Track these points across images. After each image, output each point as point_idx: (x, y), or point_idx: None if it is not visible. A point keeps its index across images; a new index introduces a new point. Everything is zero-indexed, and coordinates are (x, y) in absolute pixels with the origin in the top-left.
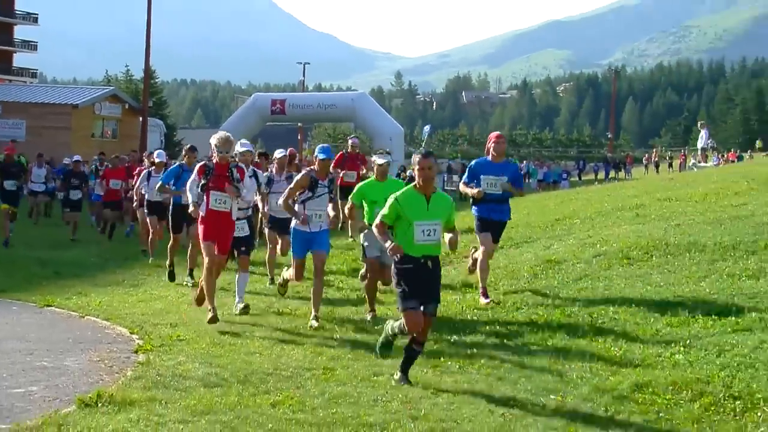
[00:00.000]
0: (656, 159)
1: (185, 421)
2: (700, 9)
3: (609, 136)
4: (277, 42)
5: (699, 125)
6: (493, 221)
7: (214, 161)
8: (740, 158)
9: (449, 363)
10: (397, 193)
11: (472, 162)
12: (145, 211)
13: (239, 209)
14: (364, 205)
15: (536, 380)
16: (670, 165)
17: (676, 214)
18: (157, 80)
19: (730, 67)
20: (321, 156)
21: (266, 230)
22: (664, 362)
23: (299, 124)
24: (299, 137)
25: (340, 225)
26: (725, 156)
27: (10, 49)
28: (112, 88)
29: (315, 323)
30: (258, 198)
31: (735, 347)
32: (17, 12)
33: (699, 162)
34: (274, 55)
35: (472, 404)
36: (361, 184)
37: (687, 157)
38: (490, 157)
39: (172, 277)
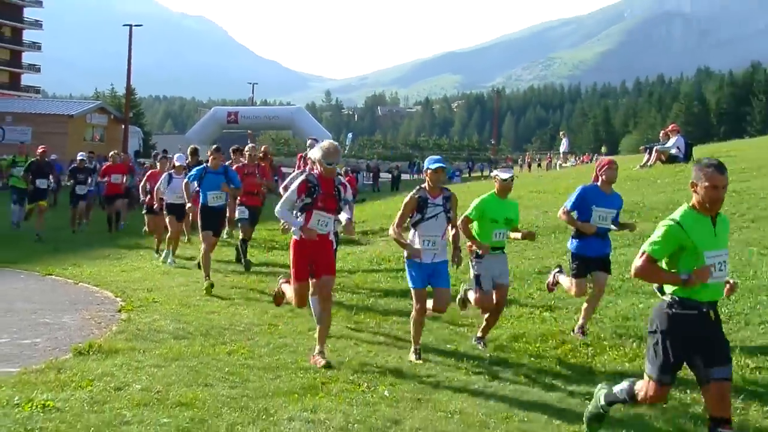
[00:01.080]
0: (529, 160)
1: (159, 366)
2: (561, 44)
3: (492, 142)
4: (231, 66)
5: (561, 134)
6: (595, 258)
7: (316, 174)
8: (592, 160)
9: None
10: (674, 216)
11: (581, 188)
12: (165, 211)
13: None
14: (474, 224)
15: (437, 333)
16: (539, 165)
17: (544, 203)
18: (135, 96)
19: (585, 90)
20: (433, 166)
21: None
22: (535, 318)
23: (249, 131)
24: (249, 142)
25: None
26: (581, 158)
27: (19, 71)
28: (99, 102)
29: (415, 358)
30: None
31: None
32: (24, 41)
33: (562, 163)
34: (229, 77)
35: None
36: (482, 198)
37: (552, 159)
38: (599, 184)
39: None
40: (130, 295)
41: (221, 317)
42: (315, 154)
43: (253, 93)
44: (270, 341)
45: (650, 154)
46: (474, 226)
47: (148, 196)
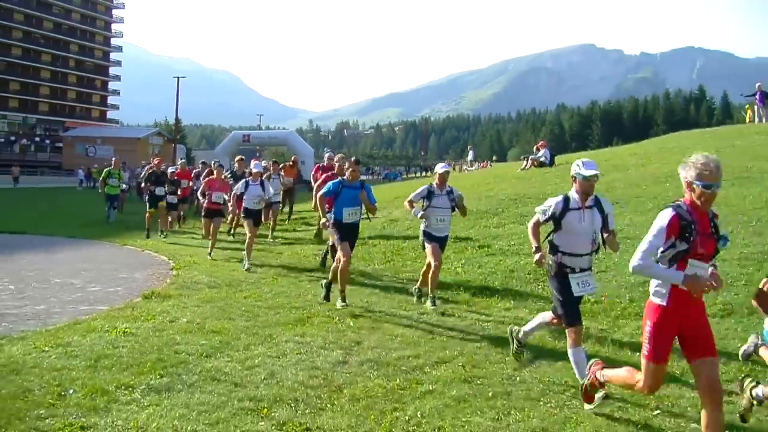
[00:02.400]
0: None
1: (198, 306)
2: (468, 87)
3: (422, 153)
4: (244, 103)
5: (469, 148)
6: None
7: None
8: (489, 166)
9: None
10: None
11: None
12: (242, 215)
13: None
14: None
15: (391, 300)
16: (454, 169)
17: None
18: (181, 124)
19: (483, 119)
20: (441, 171)
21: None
22: (457, 271)
23: (257, 147)
24: (257, 155)
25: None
26: (483, 164)
27: (105, 109)
28: (157, 128)
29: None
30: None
31: (485, 264)
32: (109, 89)
33: (468, 168)
34: (243, 111)
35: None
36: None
37: (462, 165)
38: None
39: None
40: (178, 259)
41: (239, 274)
42: (687, 173)
43: (260, 121)
44: (272, 289)
45: (527, 161)
46: None
47: (205, 200)
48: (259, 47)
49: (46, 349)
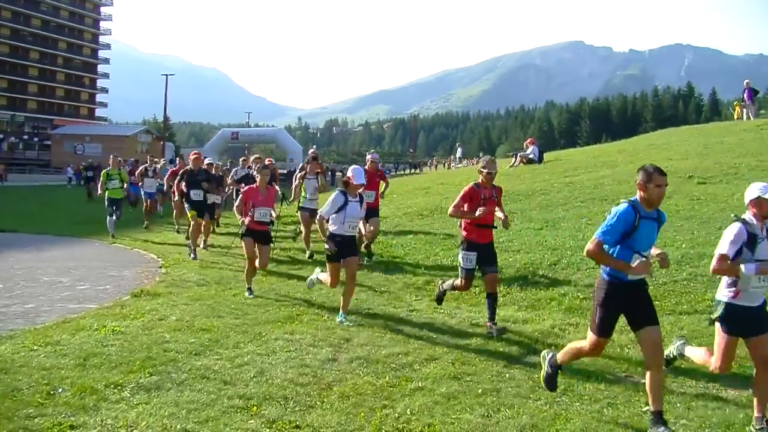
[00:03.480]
0: (435, 163)
1: (187, 304)
2: (457, 85)
3: (411, 151)
4: (233, 101)
5: (457, 145)
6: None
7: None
8: (478, 163)
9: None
10: None
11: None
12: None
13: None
14: None
15: (380, 297)
16: (443, 166)
17: (446, 191)
18: (169, 122)
19: (472, 116)
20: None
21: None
22: (442, 261)
23: (246, 144)
24: (246, 152)
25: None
26: (472, 161)
27: (94, 107)
28: (146, 126)
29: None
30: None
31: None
32: (98, 87)
33: (458, 164)
34: (231, 108)
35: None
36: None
37: (450, 162)
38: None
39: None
40: (167, 257)
41: (228, 272)
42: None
43: (248, 119)
44: (261, 287)
45: (516, 158)
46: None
47: (249, 218)
48: (247, 44)
49: (35, 347)
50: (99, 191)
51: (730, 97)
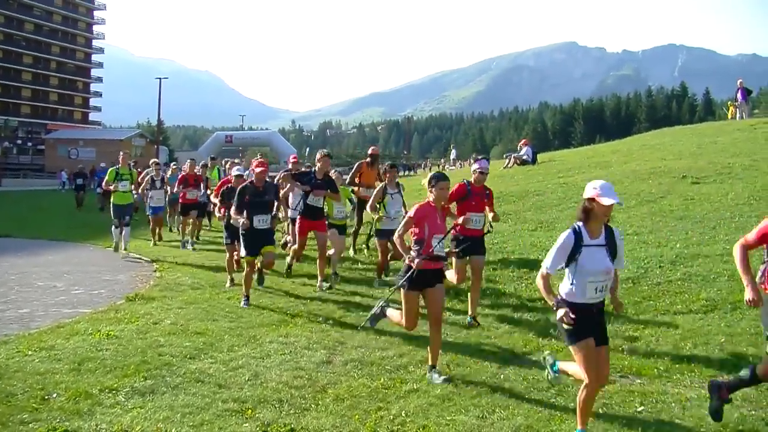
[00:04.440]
0: (429, 165)
1: (181, 307)
2: (450, 86)
3: (405, 152)
4: (227, 104)
5: (451, 147)
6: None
7: None
8: (471, 165)
9: None
10: None
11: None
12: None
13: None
14: None
15: (374, 299)
16: (438, 167)
17: None
18: (163, 125)
19: (466, 117)
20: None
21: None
22: None
23: (240, 147)
24: (240, 156)
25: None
26: (466, 161)
27: (88, 111)
28: (140, 130)
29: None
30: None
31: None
32: (91, 91)
33: (450, 166)
34: (225, 111)
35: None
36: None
37: (444, 164)
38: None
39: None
40: (161, 261)
41: (222, 275)
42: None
43: (242, 122)
44: (255, 291)
45: (510, 159)
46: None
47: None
48: (240, 47)
49: (30, 352)
50: (103, 187)
51: (724, 97)
